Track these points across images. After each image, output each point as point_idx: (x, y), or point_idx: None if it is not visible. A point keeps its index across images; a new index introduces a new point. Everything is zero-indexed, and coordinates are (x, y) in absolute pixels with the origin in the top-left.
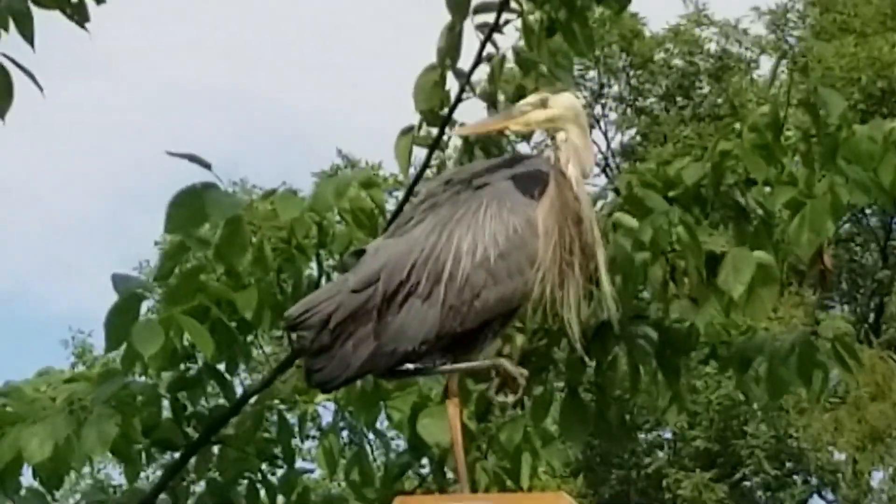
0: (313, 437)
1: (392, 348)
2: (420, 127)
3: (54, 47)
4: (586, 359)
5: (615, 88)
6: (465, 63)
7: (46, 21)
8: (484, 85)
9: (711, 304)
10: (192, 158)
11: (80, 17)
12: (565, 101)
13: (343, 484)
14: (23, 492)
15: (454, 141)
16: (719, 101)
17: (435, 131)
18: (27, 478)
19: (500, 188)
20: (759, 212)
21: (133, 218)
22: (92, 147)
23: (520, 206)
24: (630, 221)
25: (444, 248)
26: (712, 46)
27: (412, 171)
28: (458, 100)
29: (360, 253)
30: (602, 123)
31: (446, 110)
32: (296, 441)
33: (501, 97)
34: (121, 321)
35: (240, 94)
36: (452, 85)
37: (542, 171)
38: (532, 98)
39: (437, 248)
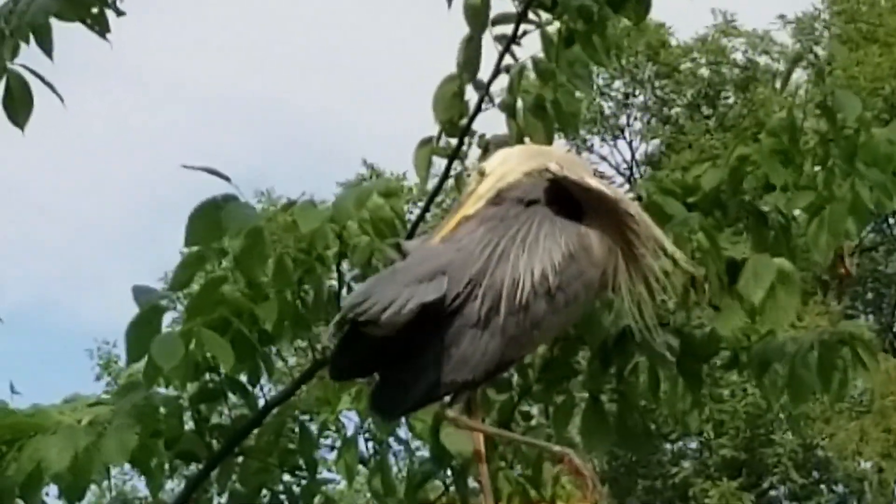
0: (335, 448)
1: (451, 379)
2: (439, 137)
3: (82, 58)
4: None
5: (640, 98)
6: (484, 74)
7: (76, 33)
8: (504, 96)
9: (734, 310)
10: (210, 171)
11: (100, 28)
12: (498, 158)
13: (368, 495)
14: None
15: (473, 152)
16: (745, 111)
17: (454, 142)
18: (52, 499)
19: (549, 207)
20: (778, 217)
21: (163, 228)
22: (123, 157)
23: (570, 226)
24: None
25: (502, 272)
26: (738, 56)
27: (431, 182)
28: (478, 110)
29: (398, 246)
30: (627, 133)
31: (465, 121)
32: (320, 452)
33: (520, 106)
34: (141, 333)
35: (269, 103)
36: (471, 95)
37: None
38: (472, 177)
39: (493, 272)
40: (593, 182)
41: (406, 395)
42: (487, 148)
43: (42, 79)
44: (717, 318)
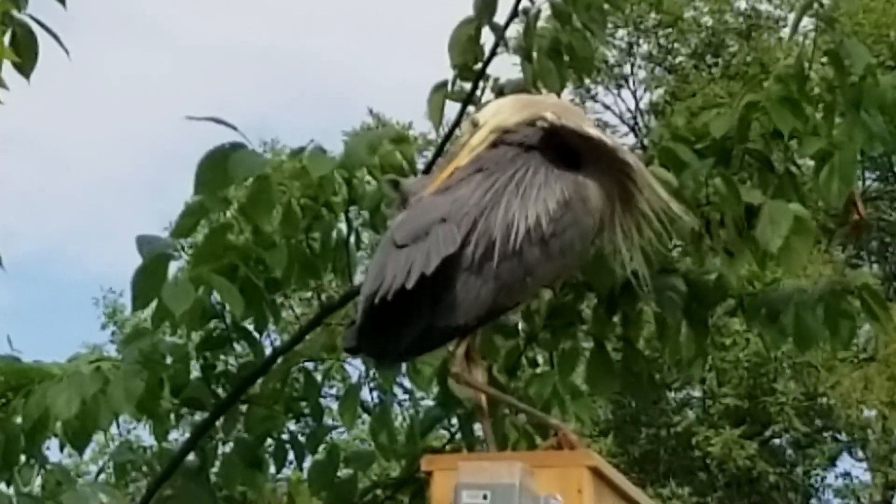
0: (338, 397)
1: (443, 323)
2: (454, 82)
3: (95, 8)
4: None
5: (644, 48)
6: (499, 17)
7: None
8: (519, 39)
9: (744, 256)
10: (216, 121)
11: None
12: (491, 109)
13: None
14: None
15: (487, 96)
16: (748, 59)
17: (468, 87)
18: (53, 451)
19: (545, 155)
20: (785, 164)
21: (172, 178)
22: (131, 108)
23: (567, 175)
24: (666, 175)
25: (495, 217)
26: (742, 4)
27: (444, 127)
28: (493, 54)
29: (395, 184)
30: (631, 82)
31: (480, 65)
32: (326, 402)
33: (535, 51)
34: (148, 281)
35: (273, 52)
36: (486, 40)
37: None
38: (464, 127)
39: (488, 217)
40: (592, 130)
41: (398, 339)
42: (502, 92)
43: (48, 29)
44: (727, 264)
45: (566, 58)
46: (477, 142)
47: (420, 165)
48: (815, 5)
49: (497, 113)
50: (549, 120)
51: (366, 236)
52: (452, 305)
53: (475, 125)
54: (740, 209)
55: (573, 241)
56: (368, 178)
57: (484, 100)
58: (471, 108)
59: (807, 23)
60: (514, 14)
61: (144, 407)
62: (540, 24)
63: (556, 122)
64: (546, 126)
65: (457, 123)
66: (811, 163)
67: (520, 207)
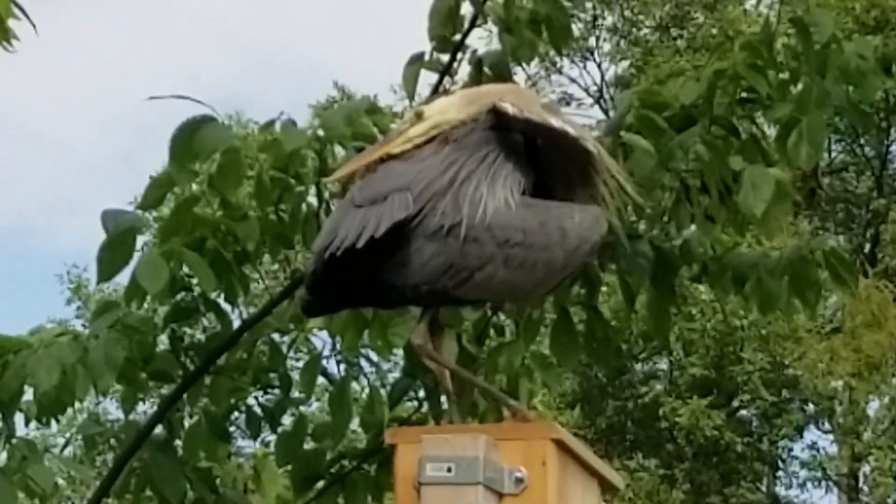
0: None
1: (388, 280)
2: (432, 54)
3: None
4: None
5: (609, 20)
6: None
7: None
8: (499, 11)
9: (722, 222)
10: (180, 97)
11: None
12: (439, 105)
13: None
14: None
15: (464, 68)
16: (713, 31)
17: (445, 58)
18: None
19: (516, 140)
20: (751, 129)
21: (144, 154)
22: (103, 83)
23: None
24: (643, 143)
25: (465, 193)
26: None
27: (417, 99)
28: (472, 25)
29: (360, 149)
30: (596, 55)
31: (458, 36)
32: (294, 374)
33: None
34: (114, 254)
35: (241, 25)
36: (465, 11)
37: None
38: (407, 115)
39: (457, 191)
40: (556, 122)
41: (345, 294)
42: (480, 63)
43: (16, 3)
44: (706, 231)
45: (544, 30)
46: (415, 134)
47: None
48: None
49: (444, 111)
50: (512, 113)
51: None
52: (399, 264)
53: (419, 116)
54: (726, 175)
55: (536, 263)
56: (338, 148)
57: (461, 71)
58: (447, 80)
59: None
60: None
61: (125, 376)
62: None
63: (518, 115)
64: (505, 114)
65: (435, 92)
66: (772, 131)
67: (489, 188)
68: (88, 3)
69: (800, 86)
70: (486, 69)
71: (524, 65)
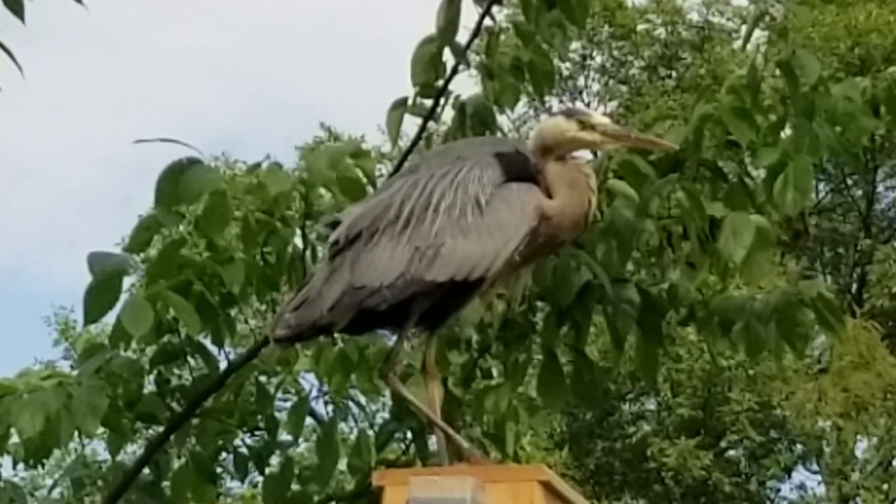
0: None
1: (362, 284)
2: (415, 99)
3: (56, 24)
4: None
5: (598, 60)
6: (460, 35)
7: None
8: (481, 57)
9: (705, 268)
10: (167, 140)
11: None
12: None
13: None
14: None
15: (448, 113)
16: (702, 71)
17: (428, 103)
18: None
19: (485, 160)
20: (740, 174)
21: (141, 193)
22: (99, 121)
23: (503, 178)
24: (625, 188)
25: (417, 196)
26: (694, 16)
27: (402, 143)
28: (454, 72)
29: (335, 224)
30: (585, 95)
31: (441, 82)
32: (280, 415)
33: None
34: (101, 296)
35: (233, 63)
36: (448, 57)
37: (523, 152)
38: (563, 124)
39: (410, 196)
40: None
41: (319, 308)
42: (463, 108)
43: (1, 46)
44: (687, 277)
45: (527, 75)
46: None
47: (380, 180)
48: (767, 18)
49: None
50: None
51: (322, 250)
52: (368, 265)
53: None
54: (704, 222)
55: (491, 229)
56: (323, 191)
57: (445, 115)
58: (431, 125)
59: (759, 35)
60: (476, 33)
61: (108, 422)
62: (501, 37)
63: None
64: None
65: (417, 139)
66: (760, 173)
67: (442, 187)
68: (87, 41)
69: (788, 130)
70: (468, 113)
71: (507, 110)
